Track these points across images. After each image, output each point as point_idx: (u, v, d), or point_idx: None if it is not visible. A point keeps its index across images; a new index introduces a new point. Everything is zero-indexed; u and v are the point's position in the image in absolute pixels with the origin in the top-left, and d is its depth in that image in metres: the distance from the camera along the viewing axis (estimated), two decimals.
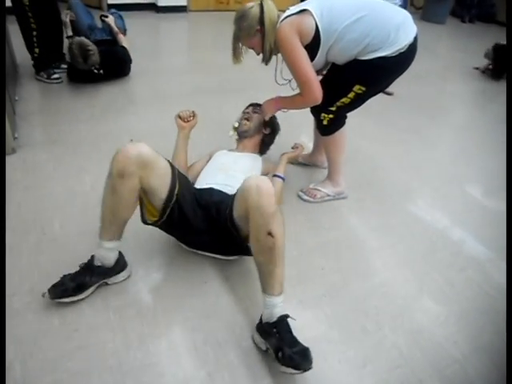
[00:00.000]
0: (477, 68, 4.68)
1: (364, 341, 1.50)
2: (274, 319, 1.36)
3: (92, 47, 3.09)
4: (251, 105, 2.29)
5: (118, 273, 1.60)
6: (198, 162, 2.08)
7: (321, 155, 2.48)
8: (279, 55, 1.93)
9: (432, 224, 2.16)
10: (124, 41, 3.58)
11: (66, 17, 3.36)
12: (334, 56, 1.85)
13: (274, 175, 1.97)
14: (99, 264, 1.53)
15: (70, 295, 1.47)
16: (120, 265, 1.60)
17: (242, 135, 2.18)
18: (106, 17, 3.73)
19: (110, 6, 5.47)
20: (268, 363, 1.38)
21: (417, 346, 1.50)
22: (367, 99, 1.99)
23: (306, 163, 2.55)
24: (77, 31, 3.55)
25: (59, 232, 1.83)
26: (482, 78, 4.52)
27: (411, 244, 2.01)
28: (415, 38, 1.80)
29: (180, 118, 1.96)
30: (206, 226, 1.58)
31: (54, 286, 1.47)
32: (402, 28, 1.76)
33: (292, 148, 2.17)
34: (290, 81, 2.03)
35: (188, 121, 1.98)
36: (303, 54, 1.78)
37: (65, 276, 1.50)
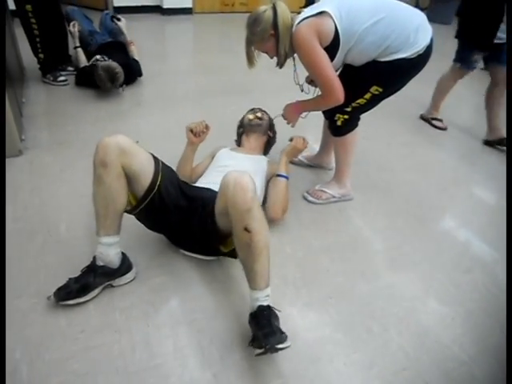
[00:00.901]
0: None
1: (370, 343, 1.50)
2: (255, 309, 1.39)
3: (119, 69, 3.05)
4: (252, 109, 2.32)
5: (123, 274, 1.60)
6: (202, 163, 2.10)
7: (327, 156, 2.48)
8: (296, 56, 1.89)
9: (438, 225, 2.16)
10: (135, 52, 3.56)
11: (74, 27, 3.33)
12: (353, 58, 1.82)
13: (277, 175, 1.97)
14: (101, 264, 1.53)
15: (74, 297, 1.48)
16: (125, 266, 1.60)
17: (253, 129, 2.19)
18: (119, 19, 3.67)
19: (116, 9, 5.53)
20: (275, 364, 1.38)
21: (423, 348, 1.49)
22: (381, 100, 1.98)
23: (312, 164, 2.54)
24: (79, 39, 3.58)
25: (65, 234, 1.84)
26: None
27: (417, 245, 2.00)
28: (431, 39, 1.79)
29: (192, 131, 1.95)
30: (184, 221, 1.61)
31: (59, 289, 1.48)
32: (421, 29, 1.75)
33: (289, 141, 2.09)
34: (302, 84, 2.04)
35: (199, 135, 1.97)
36: (324, 56, 1.74)
37: (70, 279, 1.50)
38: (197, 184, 1.83)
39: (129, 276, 1.62)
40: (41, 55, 3.19)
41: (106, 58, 3.11)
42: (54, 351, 1.36)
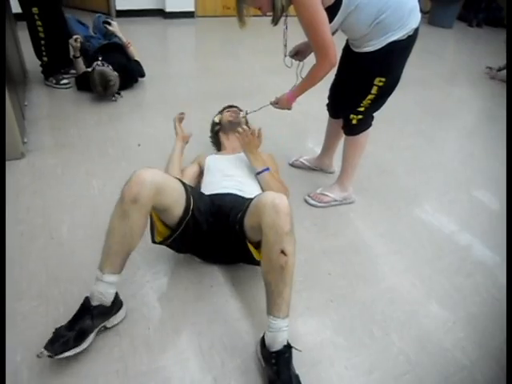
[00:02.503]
0: (490, 68, 4.64)
1: (371, 347, 1.49)
2: (276, 349, 1.32)
3: (113, 77, 3.06)
4: (230, 106, 2.36)
5: (116, 312, 1.46)
6: (188, 168, 2.04)
7: (328, 159, 2.49)
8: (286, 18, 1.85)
9: (439, 229, 2.16)
10: (135, 53, 3.54)
11: (76, 42, 3.28)
12: (349, 26, 1.80)
13: (256, 173, 1.91)
14: (97, 303, 1.36)
15: (72, 347, 1.28)
16: (118, 303, 1.46)
17: (233, 127, 2.15)
18: (109, 23, 3.63)
19: (119, 13, 5.55)
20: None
21: (424, 352, 1.49)
22: (389, 93, 1.98)
23: (313, 167, 2.55)
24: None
25: (67, 236, 1.85)
26: (489, 83, 4.50)
27: (418, 249, 2.00)
28: (419, 25, 1.81)
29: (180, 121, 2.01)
30: (217, 235, 1.59)
31: (52, 342, 1.27)
32: (413, 12, 1.76)
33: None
34: (289, 54, 2.06)
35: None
36: (324, 16, 1.66)
37: (60, 328, 1.32)
38: (207, 191, 1.79)
39: (121, 313, 1.48)
40: (44, 58, 3.20)
41: (106, 64, 3.11)
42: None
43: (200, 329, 1.49)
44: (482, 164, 2.83)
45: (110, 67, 3.10)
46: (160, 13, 5.93)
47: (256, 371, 1.37)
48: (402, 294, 1.73)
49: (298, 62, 2.09)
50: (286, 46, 2.03)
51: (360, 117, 2.00)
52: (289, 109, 2.06)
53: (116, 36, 3.60)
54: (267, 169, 1.91)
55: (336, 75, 2.15)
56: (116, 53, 3.40)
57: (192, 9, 6.05)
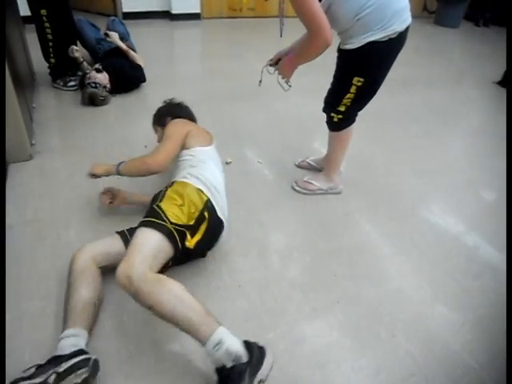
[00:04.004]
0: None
1: (377, 348, 1.49)
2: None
3: (101, 99, 3.15)
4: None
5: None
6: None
7: None
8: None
9: (446, 230, 2.14)
10: (138, 57, 3.54)
11: (72, 53, 3.25)
12: (333, 14, 1.74)
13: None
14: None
15: None
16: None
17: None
18: (107, 36, 3.62)
19: (125, 15, 5.58)
20: (282, 370, 1.38)
21: (431, 354, 1.48)
22: (370, 95, 2.01)
23: (319, 168, 2.53)
24: (87, 47, 3.63)
25: (74, 238, 1.86)
26: (495, 83, 4.46)
27: (425, 250, 1.99)
28: (407, 28, 1.80)
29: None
30: None
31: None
32: (398, 15, 1.74)
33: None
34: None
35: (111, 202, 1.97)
36: None
37: None
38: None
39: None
40: (52, 60, 3.23)
41: (100, 81, 3.15)
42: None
43: None
44: (490, 164, 2.81)
45: (103, 83, 3.15)
46: (166, 15, 5.96)
47: None
48: (408, 296, 1.73)
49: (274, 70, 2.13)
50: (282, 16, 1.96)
51: (340, 116, 2.05)
52: (287, 77, 2.03)
53: (128, 39, 3.66)
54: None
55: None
56: (121, 58, 3.42)
57: (198, 10, 6.07)
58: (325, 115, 2.15)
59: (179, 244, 1.44)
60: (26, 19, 3.30)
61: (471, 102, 4.00)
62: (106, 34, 3.63)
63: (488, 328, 1.61)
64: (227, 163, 2.47)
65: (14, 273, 1.65)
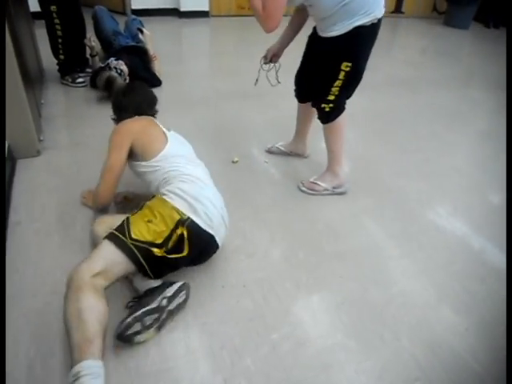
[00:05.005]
0: None
1: (381, 351, 1.49)
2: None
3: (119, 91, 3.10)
4: None
5: None
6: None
7: (302, 144, 2.60)
8: None
9: (452, 232, 2.13)
10: (158, 67, 3.56)
11: (90, 42, 3.34)
12: (313, 2, 1.88)
13: None
14: None
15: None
16: None
17: None
18: (141, 32, 3.65)
19: (134, 12, 5.59)
20: (286, 371, 1.38)
21: (435, 358, 1.47)
22: (357, 81, 2.06)
23: (288, 152, 2.63)
24: (101, 37, 3.61)
25: (81, 234, 1.87)
26: (505, 86, 4.43)
27: (431, 253, 1.98)
28: (382, 17, 1.90)
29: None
30: None
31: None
32: (377, 2, 1.86)
33: None
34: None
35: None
36: None
37: None
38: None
39: None
40: (61, 56, 3.25)
41: (124, 71, 3.13)
42: (68, 351, 1.36)
43: (211, 329, 1.50)
44: (497, 167, 2.79)
45: (125, 74, 3.13)
46: (175, 12, 5.97)
47: (266, 373, 1.37)
48: (413, 298, 1.72)
49: (274, 64, 2.25)
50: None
51: (331, 105, 2.09)
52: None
53: (146, 44, 3.65)
54: None
55: (302, 62, 2.27)
56: (136, 57, 3.42)
57: (206, 8, 6.08)
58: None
59: (141, 260, 1.42)
60: (35, 15, 3.32)
61: (479, 105, 3.98)
62: (141, 31, 3.64)
63: (493, 332, 1.61)
64: (234, 162, 2.47)
65: (20, 269, 1.67)
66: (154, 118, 1.98)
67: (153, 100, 2.06)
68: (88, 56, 3.46)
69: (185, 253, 1.50)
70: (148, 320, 1.39)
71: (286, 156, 2.63)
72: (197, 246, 1.54)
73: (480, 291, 1.79)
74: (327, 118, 2.16)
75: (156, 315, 1.40)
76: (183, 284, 1.52)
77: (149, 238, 1.44)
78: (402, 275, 1.84)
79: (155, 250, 1.44)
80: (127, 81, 3.14)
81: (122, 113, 1.94)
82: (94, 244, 1.59)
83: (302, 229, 2.05)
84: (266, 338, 1.48)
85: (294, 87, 2.37)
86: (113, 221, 1.60)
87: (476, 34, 6.91)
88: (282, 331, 1.51)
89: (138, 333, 1.37)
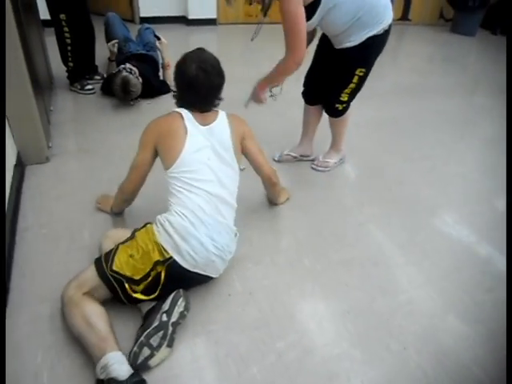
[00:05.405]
0: None
1: (387, 361, 1.48)
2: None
3: (135, 86, 3.09)
4: None
5: None
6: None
7: (309, 146, 2.66)
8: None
9: (459, 241, 2.12)
10: (169, 76, 3.57)
11: (114, 46, 3.41)
12: (327, 23, 2.00)
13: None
14: None
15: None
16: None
17: None
18: (159, 39, 3.67)
19: (142, 20, 5.64)
20: (291, 380, 1.38)
21: (442, 368, 1.46)
22: (365, 80, 2.20)
23: (297, 155, 2.66)
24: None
25: (88, 241, 1.88)
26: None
27: (437, 261, 1.97)
28: (392, 21, 2.04)
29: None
30: None
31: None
32: (387, 8, 1.98)
33: None
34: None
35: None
36: (302, 15, 1.88)
37: None
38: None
39: None
40: (70, 64, 3.28)
41: (133, 71, 3.15)
42: (74, 357, 1.39)
43: (216, 337, 1.50)
44: (504, 174, 2.77)
45: (137, 73, 3.15)
46: (183, 20, 6.01)
47: (272, 381, 1.37)
48: (420, 308, 1.71)
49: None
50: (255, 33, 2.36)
51: (344, 105, 2.29)
52: (261, 102, 2.31)
53: (155, 51, 3.68)
54: None
55: (312, 64, 2.37)
56: (146, 65, 3.44)
57: (214, 16, 6.11)
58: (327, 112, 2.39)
59: (118, 290, 1.45)
60: (45, 23, 3.35)
61: (486, 111, 3.96)
62: (158, 38, 3.67)
63: (499, 342, 1.59)
64: (241, 170, 2.47)
65: (28, 275, 1.68)
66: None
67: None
68: (107, 59, 3.51)
69: (153, 295, 1.48)
70: (154, 341, 1.37)
71: (292, 164, 2.63)
72: (175, 283, 1.50)
73: (487, 300, 1.78)
74: (339, 114, 2.35)
75: (161, 333, 1.38)
76: (176, 293, 1.46)
77: (128, 273, 1.45)
78: (408, 284, 1.83)
79: (127, 286, 1.45)
80: (140, 80, 3.16)
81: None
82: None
83: (308, 236, 2.05)
84: (271, 346, 1.48)
85: (302, 89, 2.48)
86: (118, 237, 1.62)
87: (483, 40, 6.89)
88: (288, 339, 1.51)
89: (149, 357, 1.35)
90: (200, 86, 1.66)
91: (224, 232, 1.59)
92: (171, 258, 1.48)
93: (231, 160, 1.72)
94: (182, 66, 1.70)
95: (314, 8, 1.92)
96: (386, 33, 2.02)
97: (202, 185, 1.57)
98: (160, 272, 1.48)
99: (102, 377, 1.26)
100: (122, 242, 1.54)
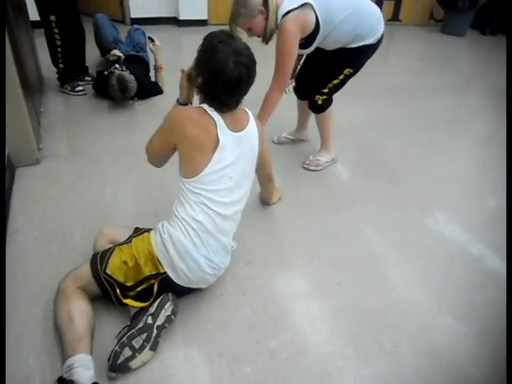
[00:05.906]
0: None
1: (380, 359, 1.48)
2: None
3: (132, 83, 3.09)
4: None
5: None
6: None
7: (305, 130, 2.90)
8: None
9: (451, 240, 2.14)
10: (162, 80, 3.57)
11: (114, 56, 3.34)
12: (326, 44, 2.18)
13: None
14: None
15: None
16: None
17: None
18: (153, 41, 3.59)
19: (133, 20, 5.62)
20: (284, 380, 1.38)
21: (435, 366, 1.47)
22: (349, 79, 2.32)
23: (294, 139, 2.91)
24: (101, 44, 3.63)
25: (79, 242, 1.87)
26: (503, 92, 4.46)
27: (430, 260, 1.98)
28: (384, 30, 2.20)
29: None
30: None
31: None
32: (379, 21, 2.15)
33: None
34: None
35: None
36: (295, 53, 2.09)
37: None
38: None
39: None
40: (60, 65, 3.26)
41: (124, 69, 3.15)
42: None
43: (209, 337, 1.50)
44: (496, 174, 2.80)
45: (128, 71, 3.14)
46: (174, 21, 6.00)
47: (265, 381, 1.37)
48: (412, 306, 1.72)
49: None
50: None
51: (324, 97, 2.36)
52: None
53: (146, 52, 3.66)
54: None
55: (304, 63, 2.51)
56: (137, 65, 3.41)
57: (205, 17, 6.10)
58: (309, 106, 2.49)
59: (110, 292, 1.46)
60: (35, 24, 3.33)
61: (477, 111, 3.99)
62: (151, 39, 3.63)
63: (492, 339, 1.60)
64: None
65: (19, 277, 1.66)
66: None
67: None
68: (103, 58, 3.52)
69: (145, 303, 1.47)
70: (137, 342, 1.35)
71: (285, 165, 2.63)
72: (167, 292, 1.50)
73: (479, 298, 1.79)
74: (319, 109, 2.45)
75: (144, 335, 1.36)
76: (164, 296, 1.45)
77: (120, 278, 1.45)
78: (400, 282, 1.84)
79: (118, 292, 1.45)
80: (133, 77, 3.14)
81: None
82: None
83: (301, 236, 2.05)
84: (264, 345, 1.48)
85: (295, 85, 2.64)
86: (112, 235, 1.64)
87: (473, 41, 6.96)
88: (281, 339, 1.51)
89: (130, 358, 1.33)
90: (242, 86, 1.43)
91: (222, 250, 1.56)
92: (165, 273, 1.46)
93: (251, 170, 1.61)
94: (213, 59, 1.39)
95: (313, 38, 2.09)
96: (379, 42, 2.19)
97: (216, 207, 1.47)
98: (151, 284, 1.48)
99: (65, 376, 1.25)
100: (119, 244, 1.53)
